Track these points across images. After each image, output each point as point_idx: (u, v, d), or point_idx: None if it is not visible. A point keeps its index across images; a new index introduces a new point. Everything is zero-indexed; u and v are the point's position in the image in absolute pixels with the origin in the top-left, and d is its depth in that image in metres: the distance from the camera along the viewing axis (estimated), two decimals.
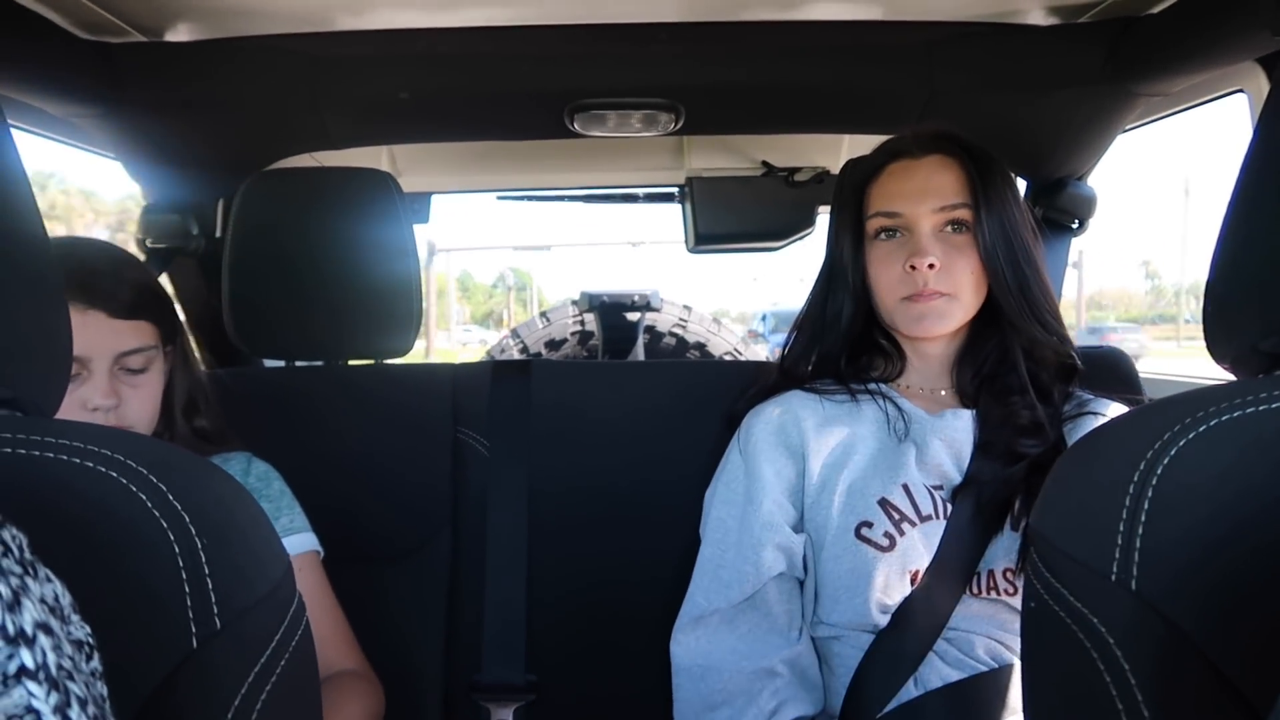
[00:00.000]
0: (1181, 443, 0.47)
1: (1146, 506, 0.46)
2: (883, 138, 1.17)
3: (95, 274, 0.98)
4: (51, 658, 0.32)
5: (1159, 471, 0.46)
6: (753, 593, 1.07)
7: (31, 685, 0.31)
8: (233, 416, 1.20)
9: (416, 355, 3.48)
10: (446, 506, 1.33)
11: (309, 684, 0.55)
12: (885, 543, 1.02)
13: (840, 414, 1.12)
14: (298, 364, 1.44)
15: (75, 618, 0.35)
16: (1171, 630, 0.44)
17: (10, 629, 0.31)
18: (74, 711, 0.32)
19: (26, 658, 0.31)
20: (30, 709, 0.31)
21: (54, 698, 0.31)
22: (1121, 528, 0.47)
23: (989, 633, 1.00)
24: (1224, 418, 0.47)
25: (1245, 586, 0.44)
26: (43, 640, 0.32)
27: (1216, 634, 0.44)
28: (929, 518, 1.03)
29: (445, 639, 1.30)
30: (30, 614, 0.32)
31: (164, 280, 1.62)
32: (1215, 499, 0.45)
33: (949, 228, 1.08)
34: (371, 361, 1.42)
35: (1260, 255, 0.51)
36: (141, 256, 1.58)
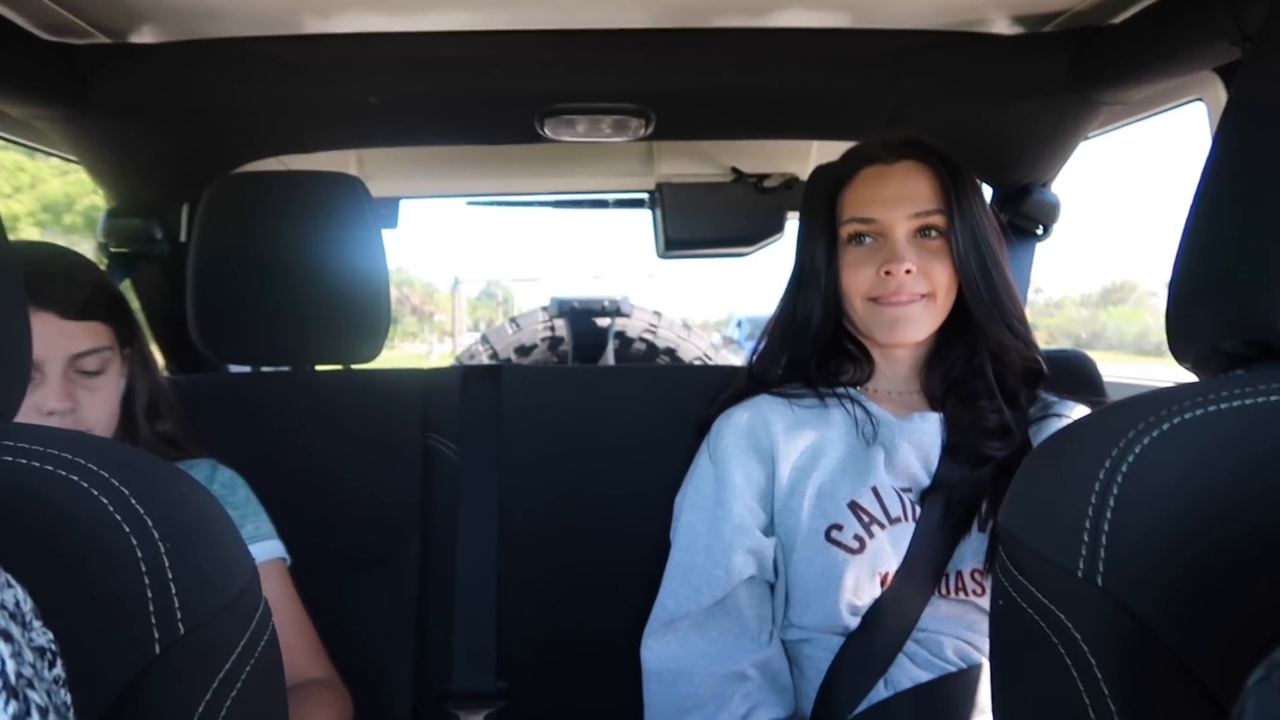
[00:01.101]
0: (1145, 440, 0.47)
1: (1112, 503, 0.47)
2: (851, 144, 1.18)
3: (47, 276, 0.97)
4: (10, 665, 0.31)
5: (1124, 469, 0.47)
6: (723, 596, 1.08)
7: None
8: (196, 423, 1.18)
9: (445, 357, 3.47)
10: (416, 514, 1.32)
11: (275, 691, 0.54)
12: (855, 545, 1.02)
13: (809, 418, 1.12)
14: (264, 370, 1.43)
15: (37, 624, 0.35)
16: (1138, 626, 0.45)
17: None
18: (34, 719, 0.31)
19: None
20: None
21: (13, 707, 0.31)
22: (1088, 524, 0.47)
23: (958, 633, 1.01)
24: (1187, 415, 0.47)
25: (1210, 582, 0.44)
26: (2, 648, 0.31)
27: (1182, 629, 0.44)
28: (898, 520, 1.04)
29: (415, 647, 1.29)
30: None
31: (126, 286, 1.60)
32: (1179, 496, 0.46)
33: (922, 234, 1.09)
34: (339, 367, 1.40)
35: (1220, 258, 0.52)
36: (104, 262, 1.56)
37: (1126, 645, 0.46)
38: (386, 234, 1.41)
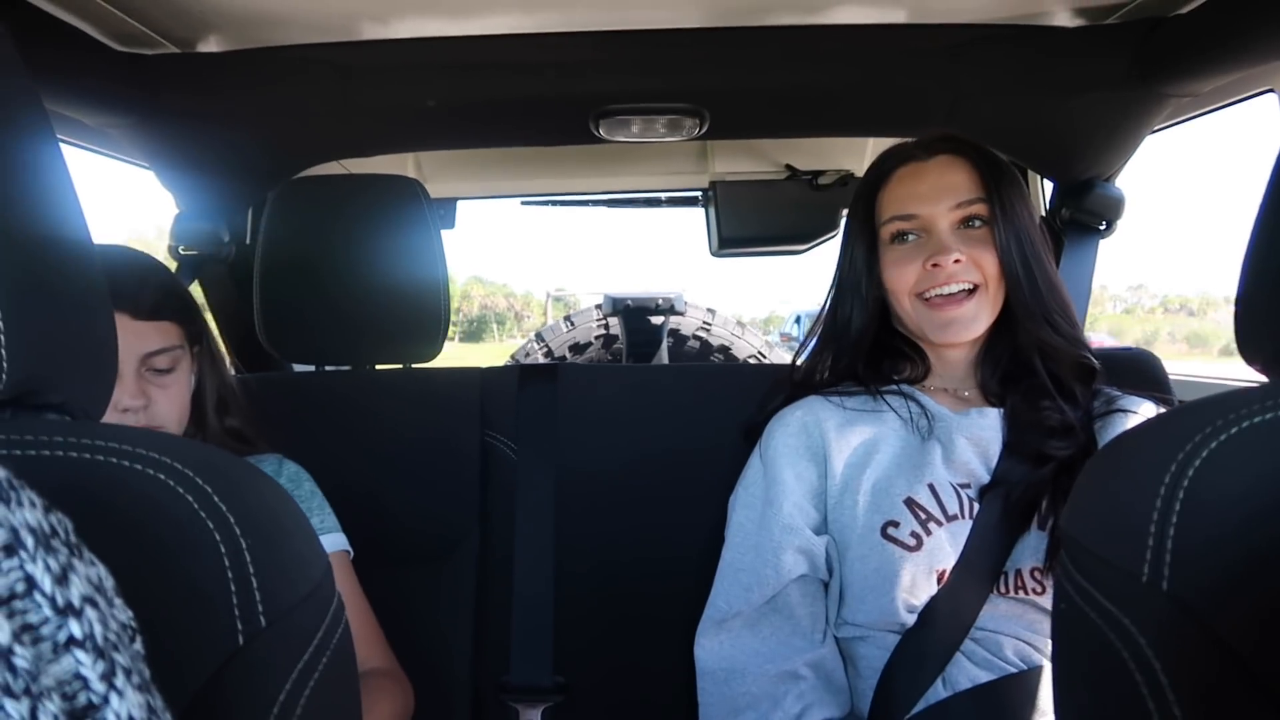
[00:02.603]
0: (1213, 444, 0.46)
1: (1178, 508, 0.46)
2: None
3: (118, 278, 1.00)
4: (98, 629, 0.33)
5: (1190, 473, 0.46)
6: (774, 595, 1.08)
7: (80, 654, 0.32)
8: (264, 420, 1.22)
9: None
10: (475, 509, 1.34)
11: (349, 681, 0.56)
12: (912, 542, 1.02)
13: (862, 415, 1.12)
14: (326, 368, 1.46)
15: (119, 601, 0.37)
16: (1203, 631, 0.44)
17: (60, 601, 0.32)
18: (119, 680, 0.33)
19: (75, 628, 0.33)
20: (78, 676, 0.32)
21: (100, 665, 0.33)
22: (1153, 529, 0.47)
23: (1017, 633, 1.00)
24: (1256, 419, 0.46)
25: (1277, 587, 0.44)
26: (89, 613, 0.33)
27: (1248, 635, 0.44)
28: (955, 517, 1.03)
29: (474, 640, 1.31)
30: (77, 588, 0.33)
31: (195, 287, 1.65)
32: (1247, 501, 0.45)
33: (966, 224, 1.08)
34: (399, 366, 1.43)
35: None
36: (173, 264, 1.61)
37: (1191, 650, 0.45)
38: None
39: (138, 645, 0.36)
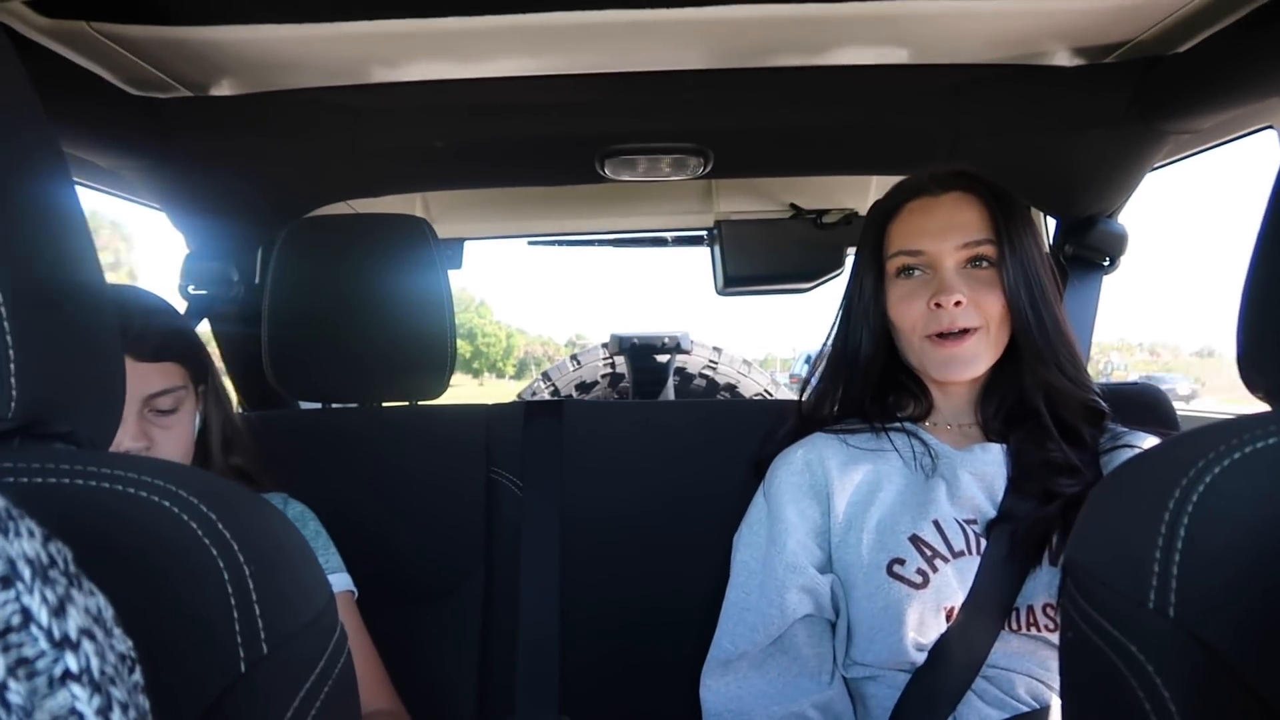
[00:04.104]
0: (1216, 469, 0.46)
1: (1183, 534, 0.46)
2: None
3: (124, 319, 1.00)
4: (95, 662, 0.33)
5: (1194, 499, 0.46)
6: (779, 635, 1.07)
7: (75, 688, 0.32)
8: (269, 458, 1.22)
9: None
10: (480, 547, 1.34)
11: (352, 711, 0.55)
12: (919, 580, 1.01)
13: (864, 453, 1.12)
14: (333, 406, 1.46)
15: (117, 631, 0.36)
16: (1211, 657, 0.44)
17: (56, 634, 0.32)
18: (115, 715, 0.33)
19: (71, 661, 0.32)
20: (74, 711, 0.32)
21: (96, 700, 0.32)
22: (1158, 555, 0.46)
23: (1030, 671, 0.98)
24: (1259, 444, 0.46)
25: None
26: (86, 645, 0.33)
27: (1257, 661, 0.43)
28: (961, 553, 1.02)
29: (478, 679, 1.30)
30: (75, 620, 0.33)
31: (205, 326, 1.66)
32: (1251, 525, 0.45)
33: (972, 264, 1.08)
34: (405, 404, 1.43)
35: None
36: (183, 303, 1.62)
37: (1200, 676, 0.44)
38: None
39: (137, 676, 0.36)
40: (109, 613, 0.36)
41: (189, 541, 0.45)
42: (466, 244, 2.61)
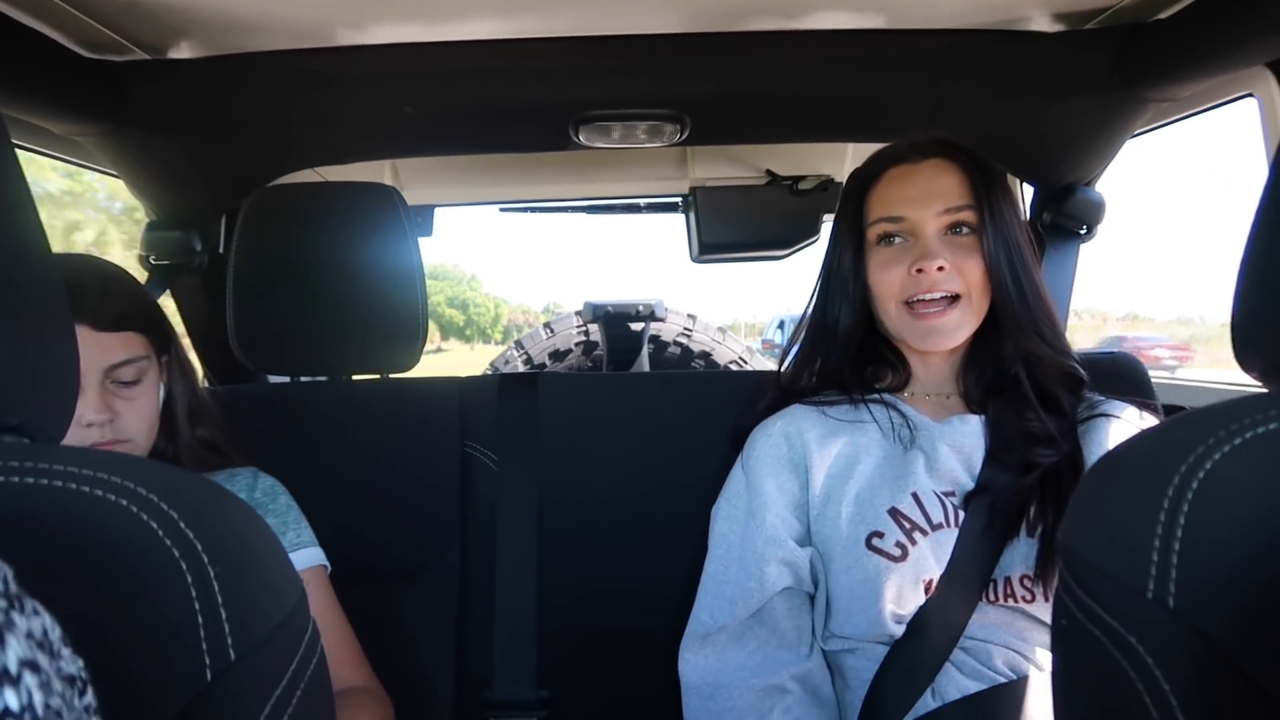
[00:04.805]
0: (1216, 456, 0.45)
1: (1182, 522, 0.45)
2: None
3: (80, 287, 0.97)
4: (38, 697, 0.31)
5: (1194, 486, 0.45)
6: (758, 608, 1.07)
7: None
8: (237, 433, 1.19)
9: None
10: (455, 522, 1.32)
11: (325, 713, 0.53)
12: (897, 552, 1.01)
13: (843, 425, 1.11)
14: (302, 380, 1.43)
15: (66, 652, 0.34)
16: (1210, 647, 0.43)
17: None
18: None
19: (10, 698, 0.30)
20: None
21: None
22: (1157, 544, 0.45)
23: (1007, 642, 0.99)
24: (1259, 430, 0.45)
25: None
26: (28, 679, 0.31)
27: (1256, 649, 0.42)
28: (940, 526, 1.02)
29: (456, 656, 1.29)
30: (15, 651, 0.31)
31: (166, 297, 1.62)
32: (1252, 513, 0.44)
33: (953, 230, 1.08)
34: (377, 376, 1.41)
35: None
36: (144, 274, 1.58)
37: (1198, 666, 0.44)
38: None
39: (89, 698, 0.34)
40: (56, 633, 0.34)
41: (150, 543, 0.42)
42: (453, 215, 2.58)
